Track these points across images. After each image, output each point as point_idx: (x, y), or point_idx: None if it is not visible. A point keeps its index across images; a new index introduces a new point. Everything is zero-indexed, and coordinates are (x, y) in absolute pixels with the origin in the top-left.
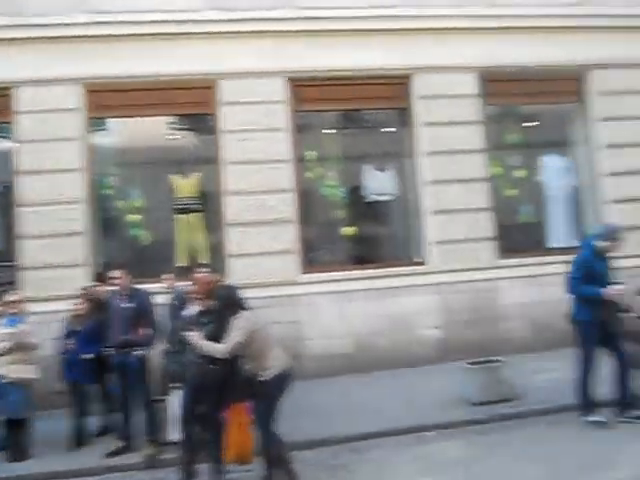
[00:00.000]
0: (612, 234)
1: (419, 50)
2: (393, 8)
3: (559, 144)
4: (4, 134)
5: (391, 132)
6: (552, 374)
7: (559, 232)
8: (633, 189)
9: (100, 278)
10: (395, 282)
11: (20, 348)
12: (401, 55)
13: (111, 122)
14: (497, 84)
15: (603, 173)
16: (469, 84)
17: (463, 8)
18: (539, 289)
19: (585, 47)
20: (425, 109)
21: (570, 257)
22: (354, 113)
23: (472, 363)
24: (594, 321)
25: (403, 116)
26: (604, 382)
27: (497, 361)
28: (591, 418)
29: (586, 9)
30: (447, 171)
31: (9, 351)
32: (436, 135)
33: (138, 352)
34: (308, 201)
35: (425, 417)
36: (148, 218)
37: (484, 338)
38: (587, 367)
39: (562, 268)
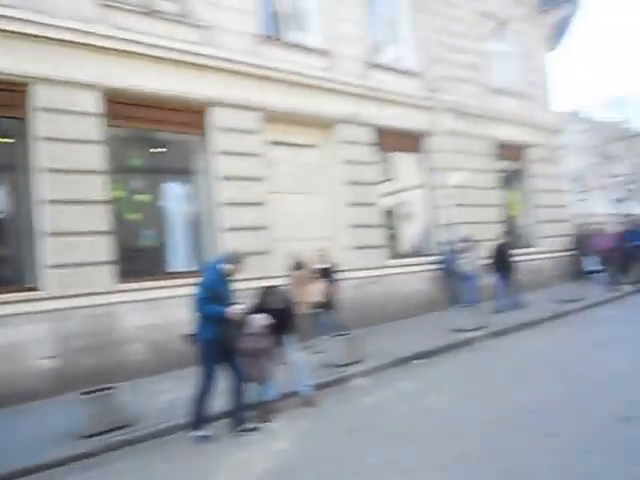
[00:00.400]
0: (235, 259)
1: (38, 59)
2: (12, 8)
3: (182, 172)
4: None
5: (6, 144)
6: (171, 395)
7: (179, 257)
8: (245, 218)
9: None
10: (4, 310)
11: None
12: (18, 61)
13: None
14: (122, 106)
15: (220, 202)
16: (91, 102)
17: (88, 24)
18: (159, 312)
19: (209, 84)
20: (44, 123)
21: (190, 280)
22: None
23: (86, 392)
24: (216, 339)
25: (20, 127)
26: (221, 396)
27: (111, 388)
28: (199, 433)
29: (211, 50)
30: (65, 191)
31: None
32: (55, 152)
33: None
34: None
35: (14, 460)
36: None
37: (103, 364)
38: (206, 384)
39: (182, 291)
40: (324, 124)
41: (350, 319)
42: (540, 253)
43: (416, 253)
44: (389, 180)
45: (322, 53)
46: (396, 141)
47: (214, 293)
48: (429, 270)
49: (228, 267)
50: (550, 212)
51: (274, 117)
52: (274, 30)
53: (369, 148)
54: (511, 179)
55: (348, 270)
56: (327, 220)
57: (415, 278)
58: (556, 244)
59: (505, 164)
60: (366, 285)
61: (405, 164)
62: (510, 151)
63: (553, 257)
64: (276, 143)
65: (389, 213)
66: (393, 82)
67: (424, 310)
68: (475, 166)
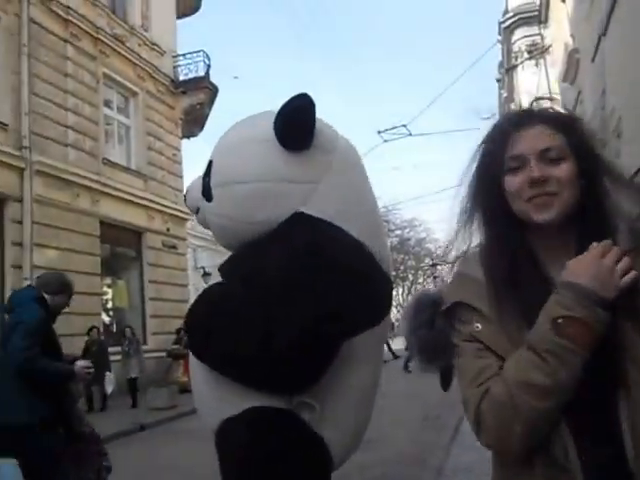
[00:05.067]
0: (60, 285)
1: None
2: None
3: None
4: None
5: None
6: None
7: None
8: None
9: None
10: None
11: None
12: None
13: None
14: None
15: None
16: None
17: None
18: None
19: None
20: None
21: None
22: None
23: None
24: (50, 423)
25: None
26: None
27: None
28: None
29: None
30: None
31: None
32: None
33: None
34: None
35: None
36: None
37: None
38: None
39: None
40: None
41: None
42: (145, 352)
43: None
44: None
45: None
46: None
47: (40, 341)
48: None
49: (55, 300)
50: (168, 306)
51: None
52: None
53: None
54: (121, 266)
55: None
56: None
57: None
58: (165, 343)
59: (115, 247)
60: None
61: None
62: (122, 233)
63: (158, 357)
64: None
65: None
66: None
67: None
68: (74, 245)
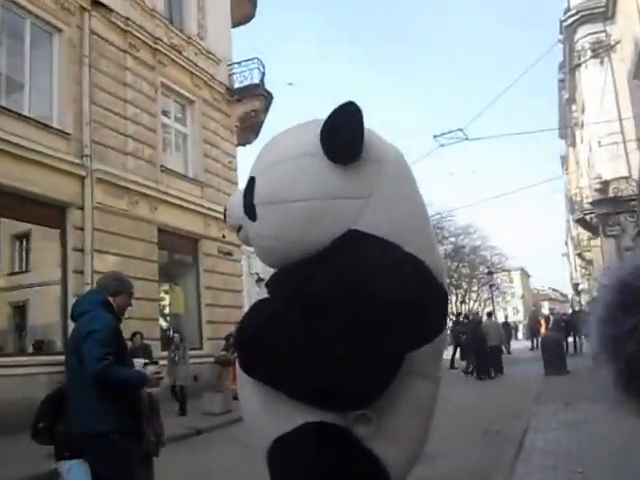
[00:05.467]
0: (122, 286)
1: None
2: None
3: None
4: None
5: None
6: None
7: None
8: None
9: None
10: None
11: None
12: None
13: None
14: None
15: None
16: None
17: None
18: None
19: None
20: None
21: None
22: None
23: None
24: (126, 432)
25: None
26: None
27: None
28: None
29: None
30: None
31: None
32: None
33: None
34: None
35: None
36: None
37: None
38: None
39: None
40: None
41: None
42: (200, 357)
43: (30, 352)
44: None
45: None
46: (25, 209)
47: (115, 350)
48: (50, 373)
49: (117, 301)
50: (223, 312)
51: None
52: None
53: None
54: (178, 272)
55: None
56: None
57: (22, 383)
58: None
59: (172, 254)
60: None
61: (38, 239)
62: (179, 240)
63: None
64: None
65: None
66: (29, 135)
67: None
68: (133, 252)
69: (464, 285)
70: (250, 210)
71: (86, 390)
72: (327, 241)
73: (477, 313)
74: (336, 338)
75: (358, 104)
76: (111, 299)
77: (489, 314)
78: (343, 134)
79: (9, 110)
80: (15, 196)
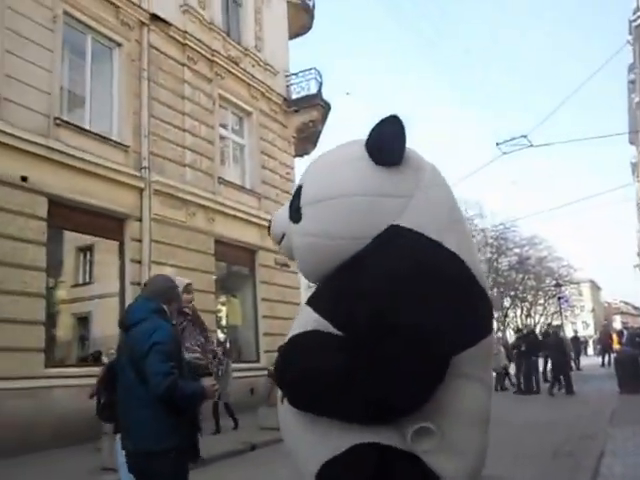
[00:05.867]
0: (173, 291)
1: None
2: None
3: None
4: None
5: None
6: None
7: None
8: None
9: None
10: None
11: None
12: None
13: None
14: None
15: None
16: None
17: None
18: None
19: None
20: None
21: None
22: None
23: None
24: (184, 449)
25: None
26: None
27: None
28: None
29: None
30: None
31: None
32: None
33: None
34: None
35: None
36: None
37: None
38: None
39: None
40: None
41: None
42: (257, 370)
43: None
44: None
45: None
46: (86, 221)
47: (177, 363)
48: None
49: (170, 308)
50: (280, 324)
51: None
52: None
53: (38, 223)
54: (235, 284)
55: None
56: None
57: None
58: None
59: (229, 265)
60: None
61: (100, 251)
62: (236, 252)
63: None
64: None
65: (56, 306)
66: (90, 148)
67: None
68: (190, 263)
69: (529, 298)
70: (296, 214)
71: (144, 405)
72: (369, 236)
73: (541, 327)
74: (380, 345)
75: (400, 119)
76: (165, 306)
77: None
78: (387, 138)
79: (71, 124)
80: (77, 209)
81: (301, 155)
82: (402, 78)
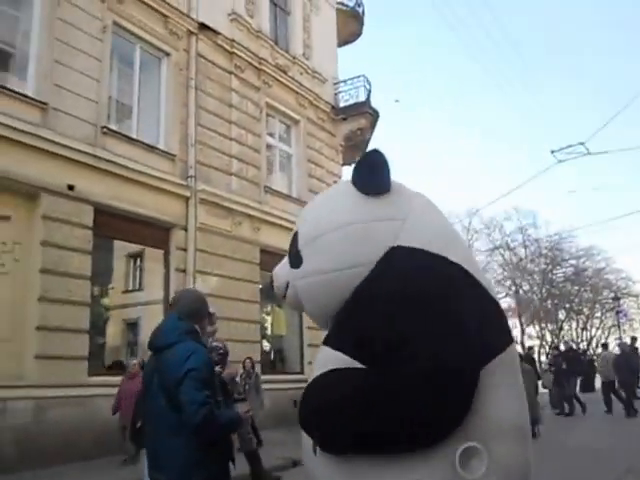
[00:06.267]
0: (202, 310)
1: None
2: None
3: None
4: None
5: None
6: None
7: None
8: None
9: None
10: None
11: None
12: None
13: None
14: None
15: None
16: None
17: None
18: None
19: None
20: None
21: None
22: None
23: None
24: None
25: None
26: None
27: None
28: None
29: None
30: None
31: None
32: None
33: None
34: None
35: None
36: None
37: None
38: None
39: None
40: (25, 192)
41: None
42: (301, 382)
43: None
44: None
45: (38, 104)
46: (132, 229)
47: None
48: None
49: (200, 327)
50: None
51: None
52: None
53: (83, 231)
54: None
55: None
56: (5, 315)
57: None
58: None
59: None
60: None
61: (146, 259)
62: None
63: None
64: None
65: (101, 315)
66: (137, 157)
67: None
68: (235, 273)
69: (585, 311)
70: (296, 258)
71: (175, 434)
72: (371, 261)
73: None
74: (402, 374)
75: (381, 152)
76: (196, 326)
77: (604, 345)
78: (371, 169)
79: (118, 133)
80: (122, 217)
81: (349, 164)
82: (451, 84)
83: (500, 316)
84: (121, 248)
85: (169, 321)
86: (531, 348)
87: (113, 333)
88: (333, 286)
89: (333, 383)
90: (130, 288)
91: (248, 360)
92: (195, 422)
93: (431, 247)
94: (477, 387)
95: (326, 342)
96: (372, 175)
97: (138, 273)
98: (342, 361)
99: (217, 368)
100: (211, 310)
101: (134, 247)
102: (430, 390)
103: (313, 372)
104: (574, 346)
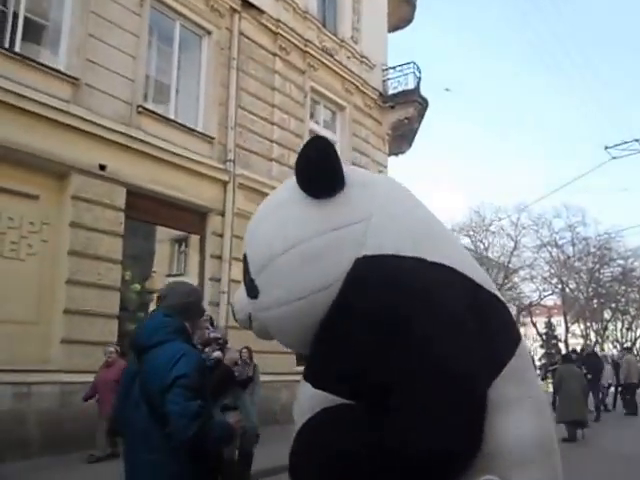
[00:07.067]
0: (196, 307)
1: None
2: None
3: None
4: None
5: None
6: None
7: None
8: None
9: None
10: None
11: None
12: None
13: None
14: None
15: None
16: None
17: None
18: None
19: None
20: None
21: None
22: None
23: None
24: None
25: None
26: None
27: None
28: None
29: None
30: None
31: None
32: None
33: None
34: None
35: None
36: None
37: None
38: None
39: None
40: (55, 171)
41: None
42: None
43: None
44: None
45: (69, 79)
46: (167, 213)
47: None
48: None
49: (191, 327)
50: None
51: None
52: None
53: (115, 213)
54: None
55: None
56: (32, 298)
57: None
58: None
59: None
60: None
61: (181, 244)
62: None
63: None
64: None
65: (133, 300)
66: (173, 138)
67: None
68: None
69: (632, 311)
70: (251, 289)
71: (158, 450)
72: (337, 279)
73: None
74: (407, 399)
75: (326, 138)
76: (188, 324)
77: (628, 349)
78: (314, 165)
79: (154, 113)
80: (156, 200)
81: (396, 154)
82: (504, 74)
83: (501, 313)
84: (165, 232)
85: (155, 317)
86: (574, 351)
87: (141, 319)
88: (300, 316)
89: (327, 440)
90: (174, 272)
91: (245, 350)
92: (185, 437)
93: (405, 248)
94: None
95: (305, 377)
96: (319, 172)
97: (183, 258)
98: (327, 399)
99: (218, 353)
100: (218, 335)
101: (164, 233)
102: (429, 446)
103: (295, 408)
104: (597, 349)
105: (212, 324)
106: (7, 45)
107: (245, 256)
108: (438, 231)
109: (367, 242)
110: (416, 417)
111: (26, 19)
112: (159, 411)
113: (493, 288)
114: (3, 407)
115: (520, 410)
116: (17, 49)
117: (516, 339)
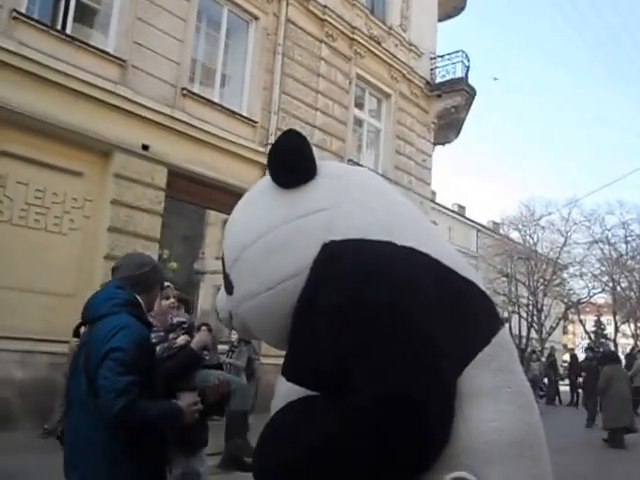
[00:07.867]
0: (153, 277)
1: None
2: None
3: None
4: None
5: None
6: None
7: None
8: None
9: None
10: None
11: None
12: None
13: None
14: None
15: None
16: None
17: None
18: None
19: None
20: None
21: None
22: None
23: None
24: None
25: None
26: None
27: None
28: None
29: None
30: None
31: None
32: None
33: None
34: None
35: None
36: None
37: None
38: None
39: None
40: (99, 149)
41: None
42: None
43: None
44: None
45: (117, 61)
46: (206, 194)
47: (142, 373)
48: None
49: (146, 300)
50: None
51: (10, 119)
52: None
53: (155, 192)
54: None
55: None
56: (72, 271)
57: None
58: None
59: None
60: None
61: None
62: None
63: None
64: (12, 156)
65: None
66: (216, 121)
67: None
68: None
69: None
70: (228, 285)
71: (95, 426)
72: (304, 269)
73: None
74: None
75: (298, 131)
76: (141, 297)
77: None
78: (285, 155)
79: (198, 95)
80: (197, 180)
81: (442, 143)
82: (557, 66)
83: (476, 299)
84: (216, 216)
85: (106, 289)
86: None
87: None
88: (271, 307)
89: (293, 425)
90: (192, 254)
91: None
92: (111, 413)
93: (373, 232)
94: (454, 403)
95: (282, 373)
96: (288, 162)
97: (203, 240)
98: (298, 392)
99: (184, 337)
100: (166, 283)
101: (202, 213)
102: (378, 431)
103: (275, 406)
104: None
105: (188, 309)
106: (59, 27)
107: (222, 253)
108: (412, 218)
109: (334, 228)
110: (372, 380)
111: (78, 2)
112: (94, 384)
113: (472, 276)
114: (40, 375)
115: (495, 402)
116: (68, 31)
117: (493, 327)
